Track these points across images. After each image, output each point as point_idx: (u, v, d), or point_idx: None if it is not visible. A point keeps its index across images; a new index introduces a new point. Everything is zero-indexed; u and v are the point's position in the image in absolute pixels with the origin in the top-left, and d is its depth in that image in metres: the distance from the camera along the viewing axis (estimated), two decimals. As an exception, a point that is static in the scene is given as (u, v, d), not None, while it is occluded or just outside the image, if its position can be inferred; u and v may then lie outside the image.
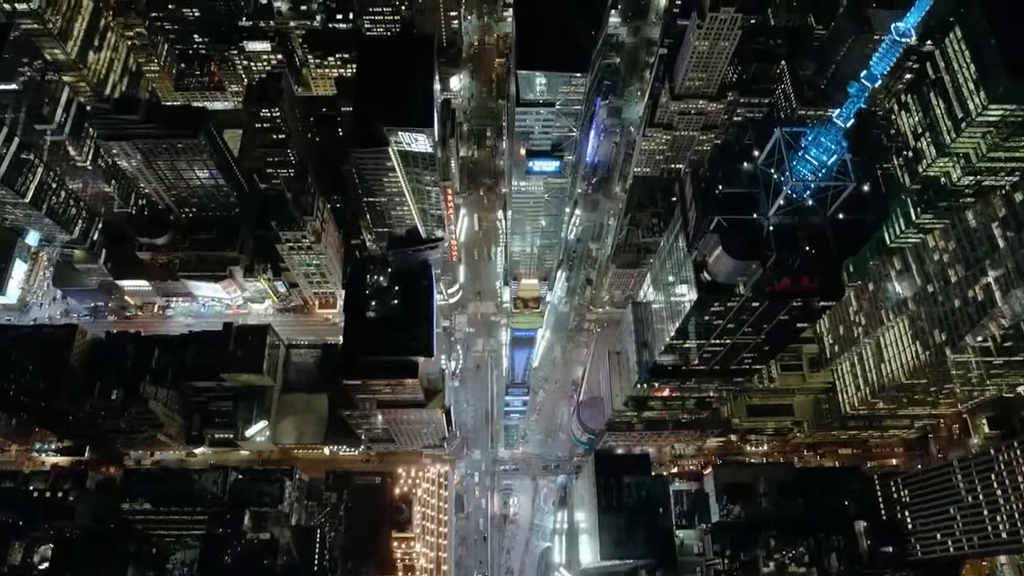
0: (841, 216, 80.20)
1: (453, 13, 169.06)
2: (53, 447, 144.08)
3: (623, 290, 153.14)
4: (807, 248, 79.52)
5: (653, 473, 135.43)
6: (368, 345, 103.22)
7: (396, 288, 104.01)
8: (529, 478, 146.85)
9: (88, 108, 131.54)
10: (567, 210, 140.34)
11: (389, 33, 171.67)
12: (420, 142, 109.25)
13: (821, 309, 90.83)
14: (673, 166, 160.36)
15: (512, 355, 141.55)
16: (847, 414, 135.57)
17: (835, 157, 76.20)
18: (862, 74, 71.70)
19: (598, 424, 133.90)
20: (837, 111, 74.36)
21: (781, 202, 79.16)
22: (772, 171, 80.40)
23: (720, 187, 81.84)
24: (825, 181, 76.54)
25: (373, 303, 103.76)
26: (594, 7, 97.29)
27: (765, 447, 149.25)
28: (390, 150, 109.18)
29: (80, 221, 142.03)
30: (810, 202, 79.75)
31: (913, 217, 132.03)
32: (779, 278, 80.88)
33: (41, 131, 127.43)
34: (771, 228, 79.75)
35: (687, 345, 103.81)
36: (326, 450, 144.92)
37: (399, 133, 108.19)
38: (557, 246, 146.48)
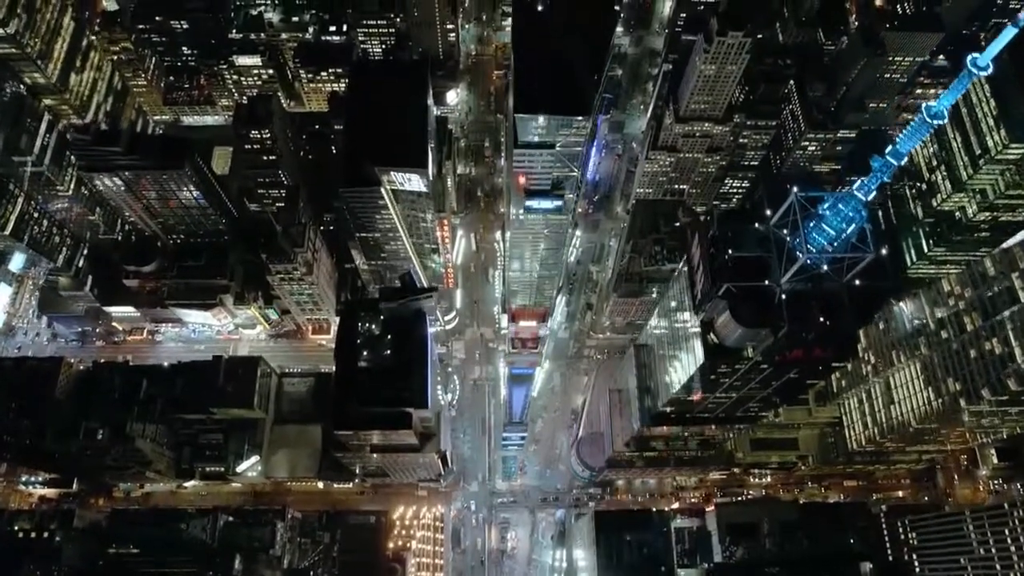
0: (858, 282, 75.93)
1: (450, 26, 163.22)
2: (40, 479, 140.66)
3: (624, 316, 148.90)
4: (821, 319, 75.21)
5: (654, 509, 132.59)
6: (360, 396, 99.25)
7: (389, 337, 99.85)
8: (527, 511, 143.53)
9: (68, 137, 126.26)
10: (568, 231, 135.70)
11: (384, 45, 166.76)
12: (414, 182, 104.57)
13: (833, 368, 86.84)
14: (677, 186, 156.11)
15: (510, 392, 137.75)
16: (853, 450, 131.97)
17: (854, 226, 71.54)
18: (887, 150, 67.05)
19: (598, 461, 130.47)
20: (858, 182, 69.59)
21: (794, 267, 74.86)
22: (785, 232, 76.15)
23: (730, 250, 77.33)
24: (842, 253, 71.99)
25: (365, 352, 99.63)
26: (596, 50, 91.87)
27: (768, 479, 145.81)
28: (382, 189, 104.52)
29: (64, 249, 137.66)
30: (825, 268, 75.49)
31: (925, 249, 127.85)
32: (791, 349, 76.76)
33: (20, 162, 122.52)
34: (783, 296, 75.41)
35: (692, 398, 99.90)
36: (320, 483, 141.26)
37: (392, 173, 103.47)
38: (557, 275, 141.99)
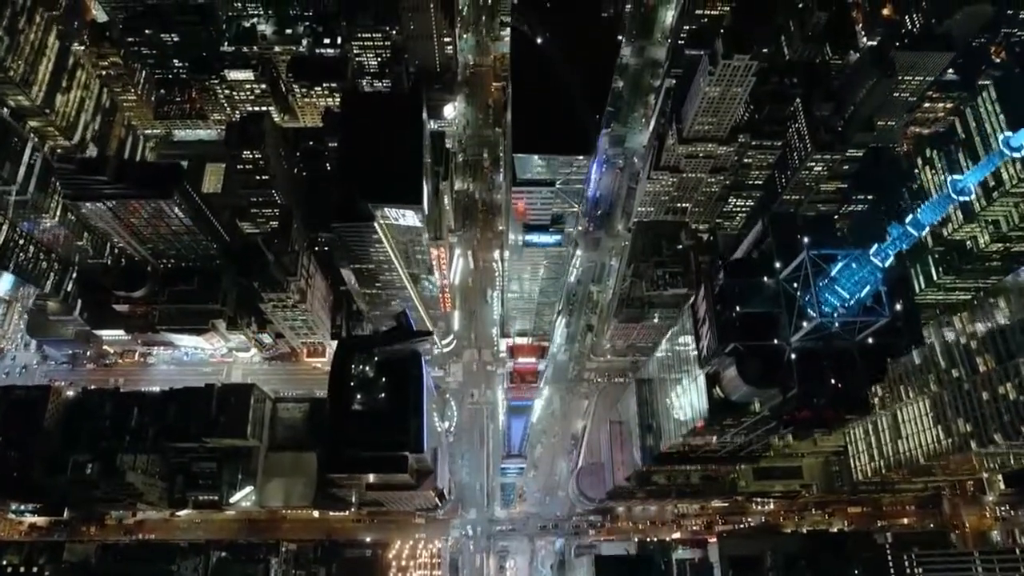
0: (871, 340, 72.74)
1: (447, 39, 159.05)
2: (30, 507, 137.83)
3: (625, 340, 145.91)
4: (833, 380, 72.03)
5: (656, 539, 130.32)
6: (353, 439, 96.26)
7: (383, 379, 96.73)
8: (526, 539, 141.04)
9: (53, 165, 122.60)
10: (568, 261, 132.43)
11: (380, 58, 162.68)
12: (409, 217, 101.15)
13: (844, 423, 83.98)
14: (679, 205, 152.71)
15: (508, 423, 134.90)
16: (859, 481, 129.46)
17: (869, 288, 68.14)
18: (908, 220, 63.42)
19: (598, 493, 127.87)
20: (875, 247, 66.01)
21: (805, 325, 71.57)
22: (795, 286, 72.87)
23: (737, 307, 74.09)
24: (856, 317, 68.65)
25: (359, 395, 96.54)
26: (597, 84, 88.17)
27: (772, 506, 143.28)
28: (376, 224, 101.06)
29: (52, 274, 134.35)
30: (836, 325, 72.23)
31: (934, 277, 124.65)
32: (800, 410, 73.71)
33: (3, 191, 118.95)
34: (793, 356, 72.22)
35: (696, 442, 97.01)
36: (315, 512, 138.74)
37: (386, 209, 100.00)
38: (557, 300, 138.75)
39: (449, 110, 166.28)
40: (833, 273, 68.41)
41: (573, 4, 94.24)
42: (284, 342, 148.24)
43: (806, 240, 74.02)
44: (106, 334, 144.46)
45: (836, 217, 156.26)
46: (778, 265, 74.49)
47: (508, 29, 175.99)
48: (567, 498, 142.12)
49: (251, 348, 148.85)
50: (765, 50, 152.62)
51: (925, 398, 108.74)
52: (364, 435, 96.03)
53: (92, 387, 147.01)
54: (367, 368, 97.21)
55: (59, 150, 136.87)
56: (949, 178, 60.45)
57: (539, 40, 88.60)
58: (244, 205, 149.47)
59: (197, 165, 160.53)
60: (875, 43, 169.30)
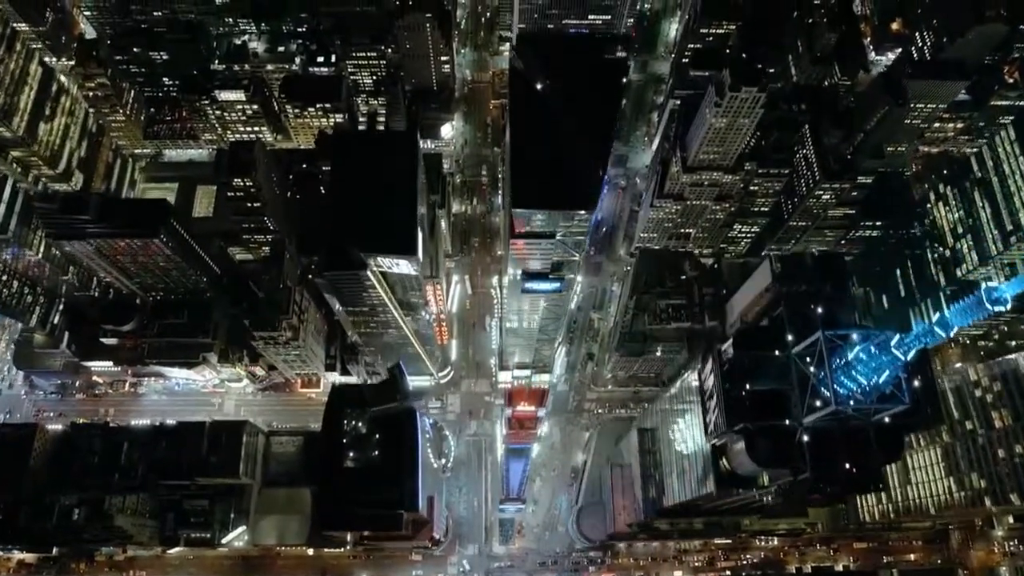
0: (887, 420, 69.16)
1: (444, 58, 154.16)
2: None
3: (627, 371, 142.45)
4: (847, 465, 68.44)
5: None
6: (347, 497, 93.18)
7: (377, 436, 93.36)
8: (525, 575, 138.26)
9: (34, 204, 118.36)
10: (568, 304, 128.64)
11: (375, 77, 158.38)
12: (403, 266, 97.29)
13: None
14: (683, 230, 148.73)
15: (507, 466, 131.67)
16: (865, 522, 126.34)
17: (888, 374, 64.30)
18: (935, 319, 59.42)
19: (599, 535, 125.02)
20: (897, 338, 62.18)
21: (818, 405, 67.89)
22: (808, 361, 69.19)
23: (747, 385, 70.37)
24: (873, 404, 64.94)
25: (352, 453, 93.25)
26: (600, 134, 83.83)
27: (775, 542, 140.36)
28: (369, 272, 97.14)
29: (37, 308, 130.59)
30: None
31: (946, 315, 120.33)
32: (811, 492, 70.28)
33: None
34: (805, 438, 68.62)
35: (699, 501, 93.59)
36: (310, 550, 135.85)
37: (379, 258, 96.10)
38: (556, 334, 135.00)
39: (447, 130, 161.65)
40: (850, 357, 64.52)
41: (575, 46, 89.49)
42: (278, 373, 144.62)
43: (819, 310, 70.39)
44: (95, 365, 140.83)
45: (844, 242, 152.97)
46: (790, 338, 70.72)
47: (507, 44, 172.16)
48: (567, 534, 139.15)
49: (244, 379, 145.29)
50: (772, 70, 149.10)
51: (937, 447, 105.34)
52: (358, 493, 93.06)
53: (81, 419, 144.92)
54: (360, 424, 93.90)
55: (43, 179, 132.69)
56: (985, 286, 56.58)
57: (539, 86, 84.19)
58: (236, 230, 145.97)
59: (188, 187, 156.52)
60: (886, 68, 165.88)
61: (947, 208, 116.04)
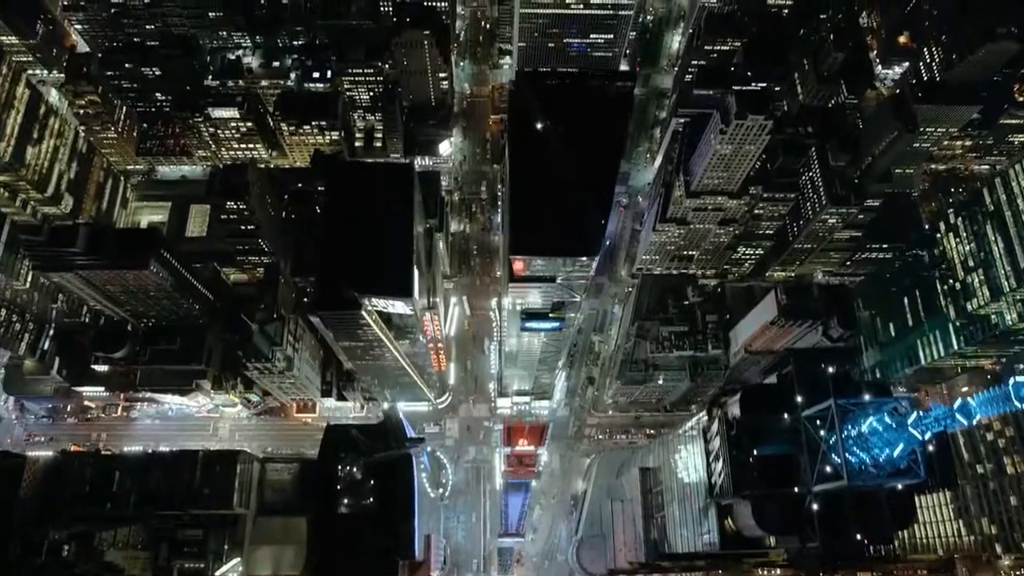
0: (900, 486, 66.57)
1: (443, 74, 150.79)
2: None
3: (628, 396, 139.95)
4: (858, 535, 65.91)
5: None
6: (340, 544, 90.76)
7: (372, 482, 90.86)
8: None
9: (20, 238, 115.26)
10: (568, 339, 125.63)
11: (372, 93, 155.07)
12: (399, 306, 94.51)
13: (864, 551, 78.10)
14: (685, 252, 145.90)
15: (505, 500, 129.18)
16: (871, 555, 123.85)
17: (903, 448, 61.54)
18: (957, 405, 56.57)
19: (599, 569, 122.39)
20: (914, 416, 59.35)
21: (828, 471, 65.23)
22: (818, 424, 66.56)
23: (755, 451, 67.72)
24: (887, 479, 62.26)
25: (347, 499, 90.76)
26: (604, 175, 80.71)
27: (778, 572, 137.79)
28: (363, 312, 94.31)
29: (27, 335, 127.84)
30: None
31: (955, 347, 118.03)
32: (821, 561, 67.73)
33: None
34: (815, 507, 66.03)
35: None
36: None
37: (373, 299, 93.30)
38: (556, 362, 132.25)
39: (445, 147, 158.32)
40: (864, 429, 61.82)
41: (576, 83, 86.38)
42: (273, 397, 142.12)
43: (829, 369, 67.65)
44: (86, 390, 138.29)
45: (849, 263, 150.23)
46: (799, 399, 68.04)
47: (507, 56, 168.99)
48: (566, 563, 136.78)
49: (238, 404, 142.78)
50: (777, 88, 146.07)
51: (945, 489, 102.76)
52: (352, 540, 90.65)
53: (73, 444, 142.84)
54: (355, 470, 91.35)
55: (32, 203, 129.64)
56: (1014, 380, 53.72)
57: (539, 125, 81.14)
58: (230, 251, 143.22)
59: (181, 206, 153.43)
60: (893, 82, 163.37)
61: (958, 239, 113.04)
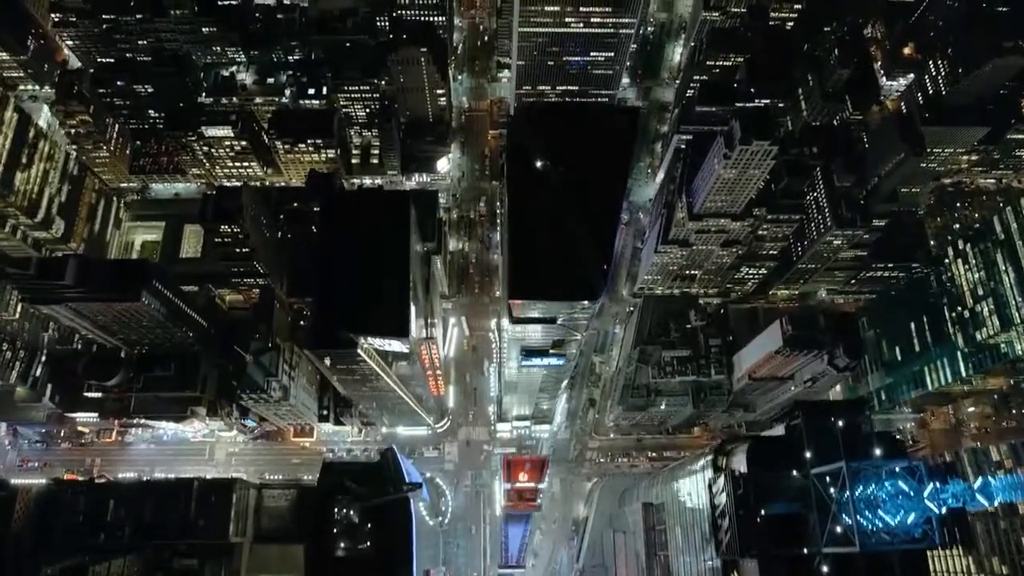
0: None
1: (440, 91, 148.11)
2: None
3: (630, 420, 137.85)
4: (870, 597, 63.85)
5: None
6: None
7: (369, 525, 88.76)
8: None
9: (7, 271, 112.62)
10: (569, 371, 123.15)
11: (368, 110, 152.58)
12: (395, 345, 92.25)
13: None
14: (688, 272, 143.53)
15: (506, 531, 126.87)
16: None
17: (916, 516, 59.30)
18: (977, 485, 55.20)
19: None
20: (930, 487, 57.17)
21: (839, 530, 63.10)
22: (827, 481, 64.34)
23: (762, 510, 65.56)
24: (900, 544, 60.11)
25: (343, 543, 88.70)
26: (605, 216, 78.17)
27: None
28: (359, 350, 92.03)
29: (17, 363, 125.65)
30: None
31: (963, 373, 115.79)
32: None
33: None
34: (824, 568, 63.90)
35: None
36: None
37: (370, 339, 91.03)
38: (557, 395, 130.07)
39: (443, 163, 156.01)
40: (876, 493, 59.65)
41: (577, 118, 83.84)
42: (269, 422, 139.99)
43: (840, 424, 65.40)
44: (80, 416, 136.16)
45: (853, 282, 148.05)
46: (808, 455, 65.87)
47: (506, 70, 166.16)
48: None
49: (234, 429, 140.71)
50: (781, 104, 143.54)
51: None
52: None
53: (66, 470, 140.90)
54: (350, 512, 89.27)
55: (21, 229, 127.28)
56: None
57: (539, 164, 78.59)
58: (224, 273, 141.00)
59: (175, 226, 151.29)
60: (899, 94, 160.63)
61: (967, 266, 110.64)
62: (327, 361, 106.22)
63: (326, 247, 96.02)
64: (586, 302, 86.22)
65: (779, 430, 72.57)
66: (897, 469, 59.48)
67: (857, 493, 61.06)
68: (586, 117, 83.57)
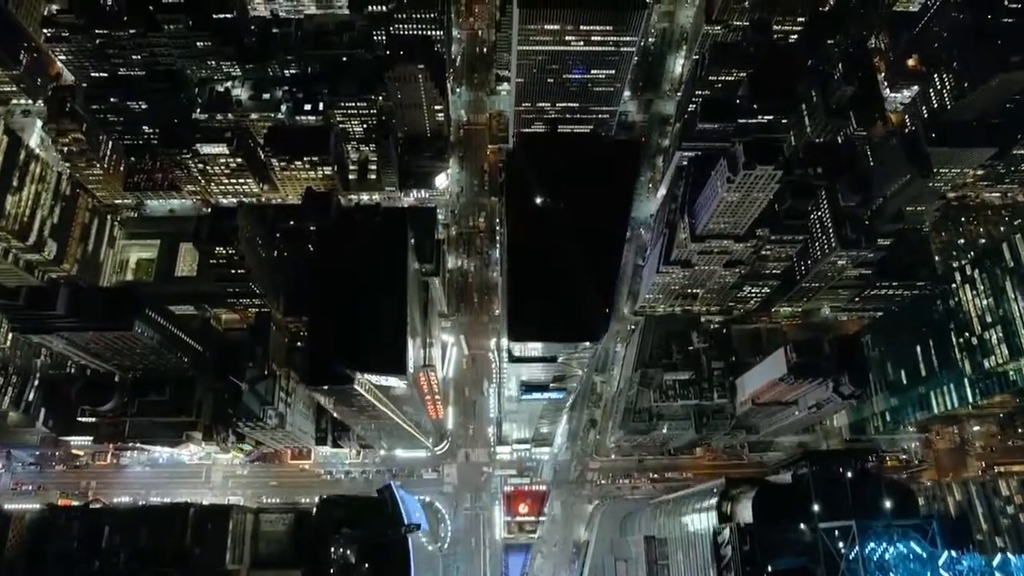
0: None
1: (439, 107, 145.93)
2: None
3: (632, 441, 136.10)
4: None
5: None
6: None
7: (366, 566, 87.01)
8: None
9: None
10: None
11: (365, 125, 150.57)
12: (393, 381, 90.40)
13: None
14: (690, 291, 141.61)
15: (506, 562, 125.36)
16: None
17: (928, 578, 57.70)
18: (996, 562, 52.73)
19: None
20: (945, 556, 55.35)
21: (846, 586, 61.52)
22: (836, 535, 62.63)
23: (769, 567, 63.83)
24: (912, 608, 58.49)
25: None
26: (608, 254, 76.11)
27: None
28: (356, 386, 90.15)
29: (10, 389, 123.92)
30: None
31: (970, 400, 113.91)
32: None
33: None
34: (833, 626, 62.30)
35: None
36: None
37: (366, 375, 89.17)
38: (558, 421, 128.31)
39: (441, 180, 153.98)
40: (887, 555, 57.90)
41: (577, 152, 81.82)
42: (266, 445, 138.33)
43: (849, 475, 63.60)
44: (74, 440, 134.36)
45: (858, 300, 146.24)
46: (816, 508, 64.10)
47: (505, 83, 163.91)
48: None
49: (231, 451, 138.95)
50: (784, 120, 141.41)
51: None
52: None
53: (60, 493, 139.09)
54: (348, 552, 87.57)
55: (13, 252, 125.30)
56: None
57: (538, 201, 76.61)
58: (221, 293, 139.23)
59: (170, 244, 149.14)
60: (903, 106, 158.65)
61: (975, 292, 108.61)
62: (323, 399, 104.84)
63: (321, 276, 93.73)
64: (587, 344, 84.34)
65: (785, 477, 71.01)
66: (909, 533, 57.72)
67: (867, 551, 59.37)
68: (586, 152, 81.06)
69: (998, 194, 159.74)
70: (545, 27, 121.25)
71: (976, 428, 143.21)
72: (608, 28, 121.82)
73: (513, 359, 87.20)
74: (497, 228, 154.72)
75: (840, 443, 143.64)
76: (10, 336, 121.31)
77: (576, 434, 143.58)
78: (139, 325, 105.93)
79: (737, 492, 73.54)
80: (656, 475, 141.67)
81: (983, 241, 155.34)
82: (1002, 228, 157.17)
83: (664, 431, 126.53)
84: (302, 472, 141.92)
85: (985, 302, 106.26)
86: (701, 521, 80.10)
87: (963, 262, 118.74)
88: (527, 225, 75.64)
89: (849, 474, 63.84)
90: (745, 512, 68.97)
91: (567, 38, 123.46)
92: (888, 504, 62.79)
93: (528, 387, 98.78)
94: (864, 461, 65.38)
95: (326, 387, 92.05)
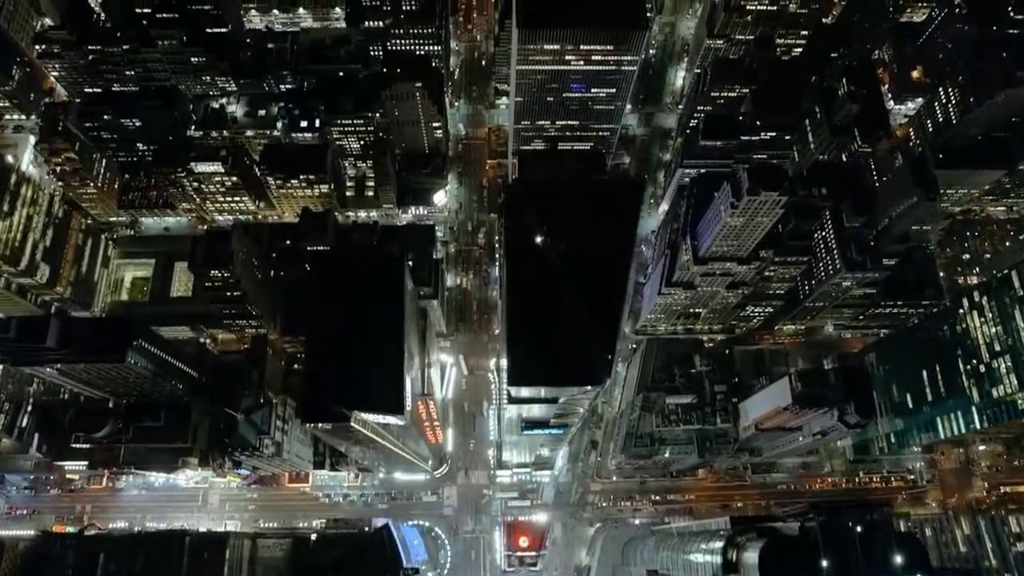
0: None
1: (436, 124, 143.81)
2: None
3: (633, 464, 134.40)
4: None
5: None
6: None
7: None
8: None
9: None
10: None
11: (362, 142, 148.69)
12: (390, 419, 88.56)
13: None
14: (693, 311, 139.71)
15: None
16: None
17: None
18: None
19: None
20: None
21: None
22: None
23: (776, 625, 62.21)
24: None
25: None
26: (611, 293, 74.14)
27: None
28: (353, 423, 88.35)
29: (3, 415, 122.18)
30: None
31: (977, 426, 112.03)
32: None
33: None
34: None
35: None
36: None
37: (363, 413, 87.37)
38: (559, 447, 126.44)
39: (440, 197, 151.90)
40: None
41: (578, 190, 79.76)
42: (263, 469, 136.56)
43: (858, 529, 61.82)
44: (69, 465, 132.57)
45: (862, 318, 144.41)
46: (825, 563, 62.34)
47: (504, 97, 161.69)
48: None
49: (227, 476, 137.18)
50: (788, 136, 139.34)
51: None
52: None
53: (56, 518, 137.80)
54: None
55: (5, 276, 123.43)
56: None
57: (537, 237, 74.77)
58: (216, 315, 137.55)
59: (165, 263, 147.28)
60: (907, 119, 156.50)
61: (983, 320, 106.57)
62: (321, 434, 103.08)
63: (318, 301, 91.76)
64: (589, 388, 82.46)
65: (793, 527, 69.34)
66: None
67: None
68: (587, 192, 79.00)
69: (1003, 208, 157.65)
70: (544, 47, 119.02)
71: (982, 448, 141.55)
72: (609, 48, 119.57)
73: (512, 400, 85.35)
74: (496, 246, 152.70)
75: (844, 464, 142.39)
76: (1, 365, 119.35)
77: (577, 456, 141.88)
78: (132, 356, 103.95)
79: (743, 540, 71.81)
80: (658, 497, 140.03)
81: (988, 256, 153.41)
82: (1007, 243, 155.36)
83: (666, 455, 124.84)
84: (300, 495, 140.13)
85: (993, 330, 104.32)
86: (705, 564, 78.41)
87: (970, 285, 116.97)
88: (526, 268, 73.61)
89: (859, 528, 62.03)
90: (751, 563, 67.27)
91: (567, 57, 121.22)
92: (899, 559, 61.05)
93: (529, 424, 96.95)
94: (873, 514, 63.68)
95: (323, 425, 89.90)
